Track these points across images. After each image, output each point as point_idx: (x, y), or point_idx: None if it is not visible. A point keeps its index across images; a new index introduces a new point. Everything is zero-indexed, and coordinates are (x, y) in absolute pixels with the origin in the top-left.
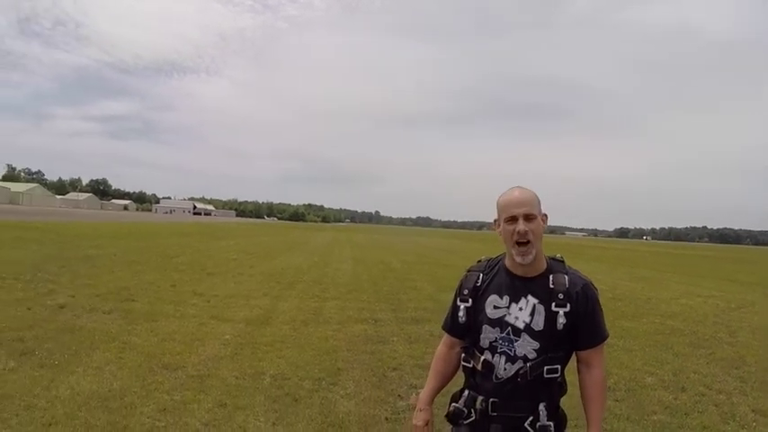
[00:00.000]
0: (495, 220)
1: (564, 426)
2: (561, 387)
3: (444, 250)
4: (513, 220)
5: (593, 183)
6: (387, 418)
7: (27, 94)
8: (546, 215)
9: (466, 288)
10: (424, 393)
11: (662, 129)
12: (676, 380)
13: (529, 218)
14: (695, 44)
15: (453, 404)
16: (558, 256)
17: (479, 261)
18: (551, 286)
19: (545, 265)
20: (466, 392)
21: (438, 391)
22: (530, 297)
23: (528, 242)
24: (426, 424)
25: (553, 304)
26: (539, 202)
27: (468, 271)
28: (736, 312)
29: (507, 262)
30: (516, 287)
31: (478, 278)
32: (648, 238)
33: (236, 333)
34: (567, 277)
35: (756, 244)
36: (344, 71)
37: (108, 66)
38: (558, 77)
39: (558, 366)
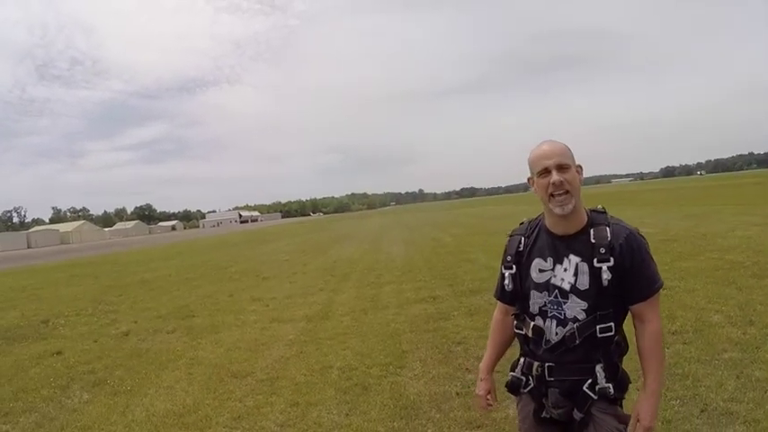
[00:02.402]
0: (528, 179)
1: (626, 386)
2: (619, 346)
3: (493, 217)
4: (545, 172)
5: (633, 126)
6: (457, 393)
7: (58, 136)
8: (581, 166)
9: (509, 254)
10: (484, 363)
11: (695, 60)
12: (743, 314)
13: (562, 168)
14: None
15: (511, 373)
16: (600, 207)
17: (521, 223)
18: (593, 241)
19: (585, 220)
20: (522, 360)
21: (497, 358)
22: (572, 256)
23: (566, 192)
24: (488, 393)
25: (595, 260)
26: (571, 153)
27: (510, 236)
28: None
29: (547, 221)
30: (558, 247)
31: (520, 242)
32: (703, 172)
33: (299, 332)
34: (608, 229)
35: None
36: (364, 55)
37: (131, 95)
38: (582, 26)
39: (612, 324)
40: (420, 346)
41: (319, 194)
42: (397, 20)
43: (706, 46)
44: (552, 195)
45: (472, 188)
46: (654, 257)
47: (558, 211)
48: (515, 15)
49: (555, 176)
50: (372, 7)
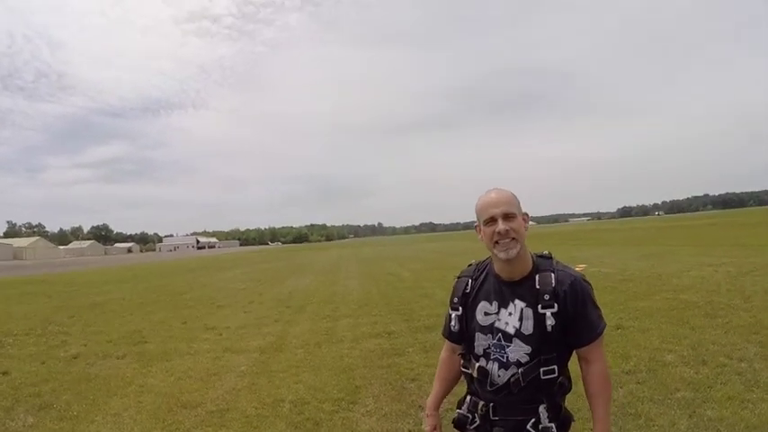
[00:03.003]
0: (475, 226)
1: (569, 425)
2: (563, 386)
3: (451, 253)
4: (492, 220)
5: (591, 166)
6: (410, 431)
7: (18, 149)
8: (527, 214)
9: (456, 296)
10: (431, 399)
11: (652, 103)
12: (696, 354)
13: (508, 216)
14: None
15: (458, 410)
16: (546, 252)
17: (470, 265)
18: (537, 287)
19: (531, 266)
20: (468, 398)
21: (443, 395)
22: (517, 301)
23: (511, 239)
24: (435, 429)
25: (540, 306)
26: (518, 201)
27: (458, 277)
28: (748, 277)
29: (494, 265)
30: (504, 292)
31: (467, 285)
32: (661, 213)
33: (251, 363)
34: (553, 275)
35: (761, 204)
36: (329, 87)
37: (94, 111)
38: (542, 65)
39: (555, 367)
40: (373, 381)
41: (278, 223)
42: (362, 53)
43: (663, 90)
44: (497, 242)
45: (431, 223)
46: (599, 302)
47: (502, 255)
48: (477, 52)
49: (501, 225)
50: (338, 40)
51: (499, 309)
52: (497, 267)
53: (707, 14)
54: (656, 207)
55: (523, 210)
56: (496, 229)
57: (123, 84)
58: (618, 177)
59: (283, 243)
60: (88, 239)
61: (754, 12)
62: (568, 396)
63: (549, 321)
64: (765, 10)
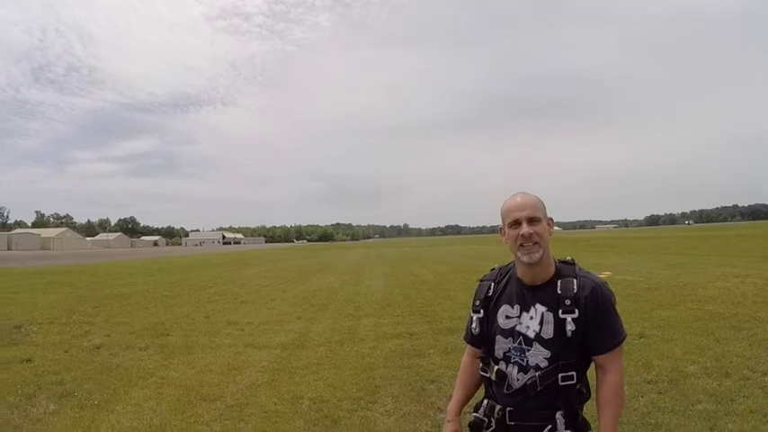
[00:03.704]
0: (500, 229)
1: None
2: (581, 393)
3: (476, 257)
4: (516, 223)
5: (620, 173)
6: None
7: (48, 141)
8: (552, 219)
9: (477, 299)
10: (452, 404)
11: (683, 112)
12: (719, 366)
13: (533, 221)
14: (710, 24)
15: (474, 414)
16: (569, 258)
17: (492, 269)
18: (559, 292)
19: (553, 271)
20: (485, 402)
21: (465, 401)
22: (538, 305)
23: (534, 243)
24: None
25: (561, 311)
26: (543, 206)
27: (481, 281)
28: None
29: (517, 270)
30: (525, 296)
31: (490, 288)
32: (691, 222)
33: (273, 359)
34: (575, 281)
35: None
36: (358, 87)
37: (124, 106)
38: (574, 72)
39: (574, 373)
40: (393, 381)
41: (304, 221)
42: (392, 54)
43: (693, 100)
44: (522, 245)
45: (457, 226)
46: (623, 310)
47: (525, 259)
48: (511, 57)
49: (525, 228)
50: (368, 42)
51: (521, 312)
52: (520, 271)
53: (739, 26)
54: (684, 216)
55: (549, 215)
56: (521, 232)
57: (153, 79)
58: (646, 186)
59: (308, 241)
60: (115, 232)
61: None
62: (587, 404)
63: (570, 327)
64: None
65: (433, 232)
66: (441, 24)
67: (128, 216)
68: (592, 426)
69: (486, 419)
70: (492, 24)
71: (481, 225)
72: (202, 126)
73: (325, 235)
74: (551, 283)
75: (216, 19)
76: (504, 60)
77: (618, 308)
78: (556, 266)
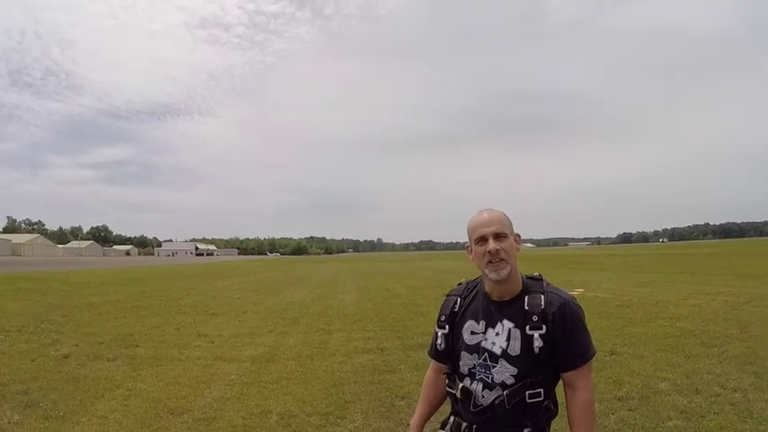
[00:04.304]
0: (466, 246)
1: None
2: (548, 411)
3: (449, 272)
4: (483, 240)
5: (593, 191)
6: None
7: (23, 145)
8: (519, 235)
9: (443, 314)
10: (414, 420)
11: (654, 130)
12: (690, 382)
13: (499, 236)
14: (682, 43)
15: (440, 430)
16: (536, 274)
17: (459, 284)
18: (526, 308)
19: (521, 286)
20: (451, 419)
21: (428, 416)
22: (505, 321)
23: (501, 259)
24: None
25: (528, 327)
26: (510, 222)
27: (447, 296)
28: (745, 307)
29: (485, 286)
30: (492, 311)
31: (456, 303)
32: (665, 240)
33: (242, 372)
34: (543, 297)
35: (761, 235)
36: (336, 100)
37: (101, 112)
38: (548, 88)
39: (541, 390)
40: (363, 397)
41: (278, 234)
42: (370, 68)
43: (666, 118)
44: (489, 262)
45: (431, 241)
46: (595, 327)
47: (493, 276)
48: (489, 73)
49: (492, 245)
50: (347, 55)
51: (486, 328)
52: (487, 287)
53: (713, 46)
54: (656, 234)
55: (517, 231)
56: (487, 249)
57: (131, 86)
58: (619, 203)
59: (282, 254)
60: (87, 240)
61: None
62: (555, 421)
63: (537, 343)
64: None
65: (406, 247)
66: (420, 39)
67: (100, 224)
68: None
69: None
70: (471, 40)
71: (455, 241)
72: (179, 135)
73: (298, 248)
74: (519, 298)
75: (196, 28)
76: (481, 76)
77: (589, 325)
78: (523, 282)
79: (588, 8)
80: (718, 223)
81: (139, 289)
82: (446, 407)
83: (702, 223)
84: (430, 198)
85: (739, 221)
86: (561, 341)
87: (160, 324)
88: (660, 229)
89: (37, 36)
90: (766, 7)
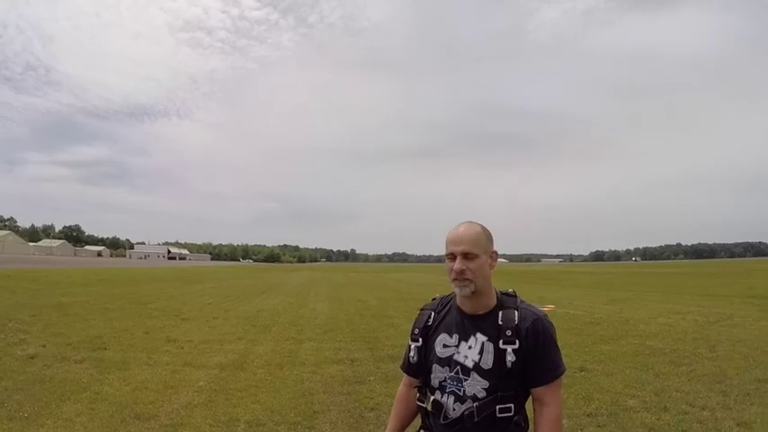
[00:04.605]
0: (445, 255)
1: None
2: (518, 426)
3: (421, 285)
4: (452, 257)
5: (567, 209)
6: None
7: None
8: (495, 252)
9: (417, 327)
10: None
11: (628, 149)
12: (658, 400)
13: (467, 256)
14: (657, 65)
15: None
16: (511, 290)
17: (434, 299)
18: (500, 323)
19: (495, 302)
20: None
21: (400, 431)
22: (478, 335)
23: (465, 278)
24: None
25: (501, 342)
26: (486, 238)
27: (421, 309)
28: (714, 326)
29: (457, 300)
30: (465, 325)
31: (430, 317)
32: (638, 259)
33: (210, 379)
34: (517, 313)
35: (731, 256)
36: (315, 109)
37: (79, 110)
38: (525, 106)
39: (512, 405)
40: (332, 407)
41: (251, 241)
42: (350, 78)
43: (642, 139)
44: (454, 279)
45: (404, 254)
46: (565, 343)
47: (457, 291)
48: (468, 88)
49: (457, 264)
50: (328, 64)
51: (459, 342)
52: (460, 300)
53: (688, 69)
54: (628, 253)
55: (495, 247)
56: (453, 267)
57: (110, 86)
58: (592, 221)
59: (255, 261)
60: (59, 239)
61: (739, 74)
62: None
63: (510, 357)
64: (742, 70)
65: (379, 259)
66: (401, 53)
67: (73, 224)
68: None
69: None
70: (451, 56)
71: (428, 254)
72: (156, 138)
73: (271, 255)
74: (493, 313)
75: (179, 30)
76: (460, 92)
77: (560, 341)
78: (497, 298)
79: (568, 29)
80: (689, 244)
81: (110, 291)
82: (418, 421)
83: (674, 243)
84: (404, 210)
85: (710, 242)
86: (533, 357)
87: (129, 327)
88: (632, 248)
89: (19, 30)
90: (740, 34)
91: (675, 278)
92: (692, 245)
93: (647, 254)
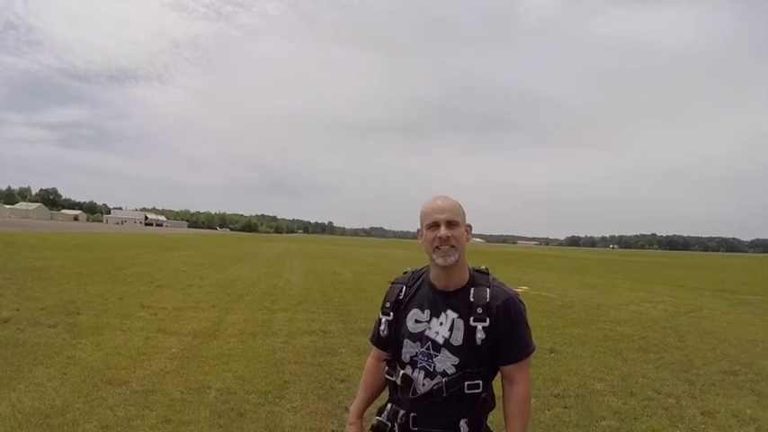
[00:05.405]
0: (417, 230)
1: None
2: (486, 403)
3: (397, 260)
4: (435, 226)
5: (545, 192)
6: (333, 431)
7: None
8: (470, 226)
9: (388, 301)
10: (354, 406)
11: (610, 138)
12: (625, 385)
13: (451, 224)
14: (646, 57)
15: (377, 418)
16: (483, 267)
17: (405, 272)
18: (471, 300)
19: (467, 278)
20: (389, 406)
21: (368, 404)
22: (449, 311)
23: (451, 246)
24: None
25: (472, 319)
26: (463, 211)
27: (392, 283)
28: (684, 317)
29: (431, 274)
30: (437, 301)
31: (401, 291)
32: (616, 246)
33: (183, 346)
34: (488, 290)
35: (705, 250)
36: (299, 80)
37: (60, 71)
38: (511, 89)
39: (480, 382)
40: (303, 378)
41: (229, 209)
42: (336, 51)
43: (624, 128)
44: (438, 247)
45: (382, 228)
46: (538, 324)
47: (440, 261)
48: (449, 66)
49: (443, 231)
50: (314, 36)
51: (431, 317)
52: (433, 275)
53: (676, 62)
54: (604, 240)
55: (469, 222)
56: (438, 234)
57: (92, 47)
58: (569, 207)
59: (232, 230)
60: (36, 202)
61: (725, 71)
62: (493, 414)
63: (480, 335)
64: (729, 67)
65: (356, 232)
66: (388, 29)
67: (50, 187)
68: None
69: (389, 424)
70: (438, 34)
71: (405, 230)
72: (137, 102)
73: (248, 225)
74: (464, 290)
75: None
76: (445, 70)
77: (532, 322)
78: (470, 274)
79: (560, 14)
80: (664, 235)
81: (85, 255)
82: (386, 394)
83: (649, 233)
84: (383, 185)
85: (685, 235)
86: (503, 335)
87: (103, 292)
88: (608, 236)
89: None
90: (729, 33)
91: (648, 267)
92: (667, 236)
93: (622, 242)
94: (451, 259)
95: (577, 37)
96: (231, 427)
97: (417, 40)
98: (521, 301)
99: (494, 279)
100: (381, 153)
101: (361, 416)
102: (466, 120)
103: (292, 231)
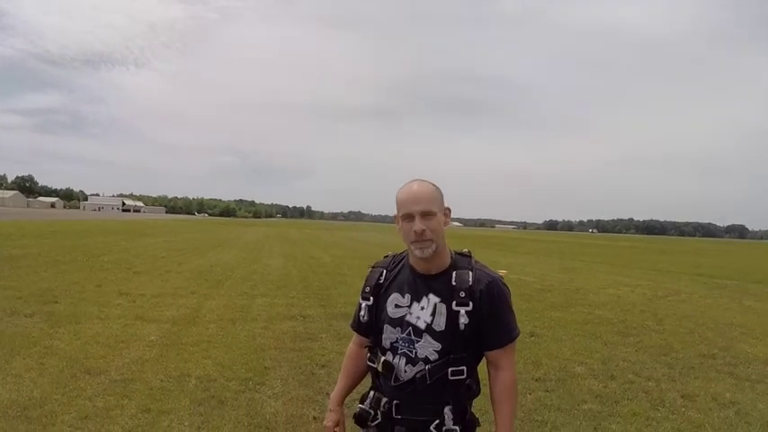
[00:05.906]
0: (395, 216)
1: (473, 429)
2: (470, 389)
3: (376, 244)
4: (409, 217)
5: (523, 176)
6: (315, 417)
7: None
8: (449, 209)
9: (368, 286)
10: (335, 393)
11: (589, 124)
12: (606, 368)
13: (426, 215)
14: (626, 44)
15: (360, 405)
16: (465, 250)
17: (386, 256)
18: (453, 283)
19: (449, 262)
20: (371, 393)
21: (349, 390)
22: (431, 296)
23: (427, 239)
24: (337, 424)
25: (454, 303)
26: (440, 195)
27: (372, 267)
28: (662, 301)
29: (410, 259)
30: (418, 285)
31: (381, 275)
32: (595, 231)
33: (162, 334)
34: (471, 274)
35: (681, 235)
36: (276, 63)
37: (34, 56)
38: (489, 73)
39: (464, 368)
40: (283, 364)
41: (207, 195)
42: (313, 34)
43: (601, 114)
44: (415, 240)
45: (360, 212)
46: (514, 307)
47: (418, 254)
48: (428, 51)
49: (418, 225)
50: (292, 18)
51: (411, 302)
52: (414, 260)
53: (656, 51)
54: (581, 224)
55: (446, 204)
56: (414, 228)
57: (67, 31)
58: (547, 191)
59: (210, 215)
60: (12, 189)
61: (699, 55)
62: (477, 400)
63: (463, 320)
64: (706, 56)
65: (335, 216)
66: (367, 13)
67: (26, 174)
68: (481, 422)
69: (372, 412)
70: (419, 18)
71: (384, 214)
72: (113, 86)
73: (227, 210)
74: (446, 273)
75: None
76: (424, 54)
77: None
78: (452, 257)
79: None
80: (641, 219)
81: (62, 243)
82: (368, 380)
83: (627, 218)
84: (361, 169)
85: (662, 220)
86: (487, 319)
87: (81, 280)
88: (585, 220)
89: None
90: (709, 18)
91: (626, 251)
92: (645, 221)
93: (600, 226)
94: (428, 252)
95: (555, 23)
96: (212, 415)
97: (396, 25)
98: (505, 285)
99: (476, 262)
100: (359, 137)
101: (341, 403)
102: (443, 104)
103: (271, 216)
